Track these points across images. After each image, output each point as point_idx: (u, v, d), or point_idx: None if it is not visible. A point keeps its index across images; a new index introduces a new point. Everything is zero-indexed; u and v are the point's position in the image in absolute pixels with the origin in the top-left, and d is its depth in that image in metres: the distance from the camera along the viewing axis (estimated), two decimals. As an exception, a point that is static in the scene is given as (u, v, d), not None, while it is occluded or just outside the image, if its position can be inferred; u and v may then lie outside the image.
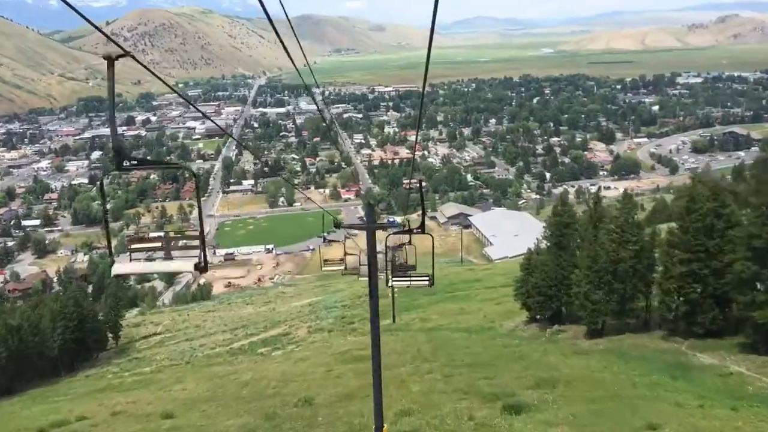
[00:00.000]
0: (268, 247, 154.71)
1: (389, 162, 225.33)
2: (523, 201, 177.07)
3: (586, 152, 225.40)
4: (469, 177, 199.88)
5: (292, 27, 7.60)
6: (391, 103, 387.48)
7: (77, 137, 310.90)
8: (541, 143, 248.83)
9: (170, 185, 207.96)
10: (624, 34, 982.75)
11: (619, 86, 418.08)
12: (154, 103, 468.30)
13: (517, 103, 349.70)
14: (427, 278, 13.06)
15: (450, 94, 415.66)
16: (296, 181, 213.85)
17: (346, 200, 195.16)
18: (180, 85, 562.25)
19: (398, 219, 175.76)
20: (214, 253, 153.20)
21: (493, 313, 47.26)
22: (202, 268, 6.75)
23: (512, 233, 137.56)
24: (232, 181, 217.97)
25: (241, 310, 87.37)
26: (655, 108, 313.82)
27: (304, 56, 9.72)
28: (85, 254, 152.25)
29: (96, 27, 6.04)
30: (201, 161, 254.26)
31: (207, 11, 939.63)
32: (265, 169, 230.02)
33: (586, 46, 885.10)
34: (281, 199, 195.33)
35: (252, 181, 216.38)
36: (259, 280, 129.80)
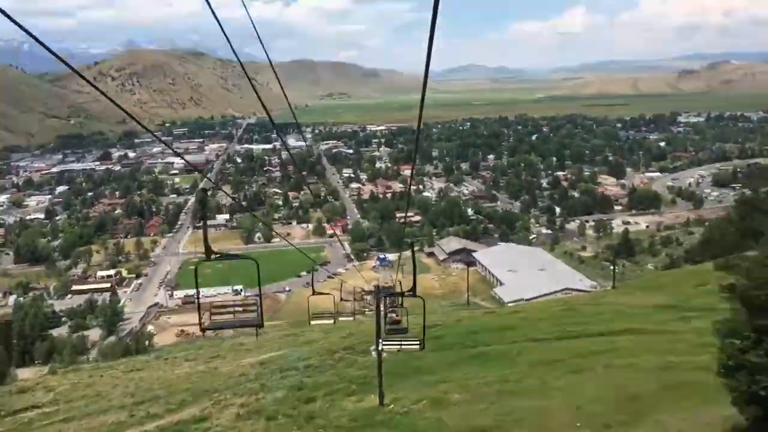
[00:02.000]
0: (236, 288, 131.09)
1: (380, 196, 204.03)
2: (534, 236, 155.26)
3: (596, 186, 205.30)
4: (469, 211, 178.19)
5: (276, 74, 8.20)
6: (383, 140, 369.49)
7: (44, 172, 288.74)
8: (545, 177, 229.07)
9: (133, 219, 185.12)
10: (616, 79, 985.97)
11: (619, 124, 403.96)
12: (137, 140, 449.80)
13: (515, 139, 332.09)
14: (418, 342, 12.78)
15: (445, 131, 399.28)
16: (277, 216, 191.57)
17: (331, 236, 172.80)
18: (167, 125, 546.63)
19: (389, 256, 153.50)
20: (171, 295, 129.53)
21: (595, 396, 23.89)
22: (261, 325, 9.77)
23: (527, 271, 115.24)
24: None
25: (174, 370, 63.95)
26: (662, 144, 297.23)
27: (287, 99, 9.54)
28: (18, 297, 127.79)
29: (74, 70, 5.69)
30: (175, 195, 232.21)
31: (199, 54, 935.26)
32: (243, 203, 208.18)
33: (579, 91, 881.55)
34: (257, 235, 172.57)
35: (227, 216, 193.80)
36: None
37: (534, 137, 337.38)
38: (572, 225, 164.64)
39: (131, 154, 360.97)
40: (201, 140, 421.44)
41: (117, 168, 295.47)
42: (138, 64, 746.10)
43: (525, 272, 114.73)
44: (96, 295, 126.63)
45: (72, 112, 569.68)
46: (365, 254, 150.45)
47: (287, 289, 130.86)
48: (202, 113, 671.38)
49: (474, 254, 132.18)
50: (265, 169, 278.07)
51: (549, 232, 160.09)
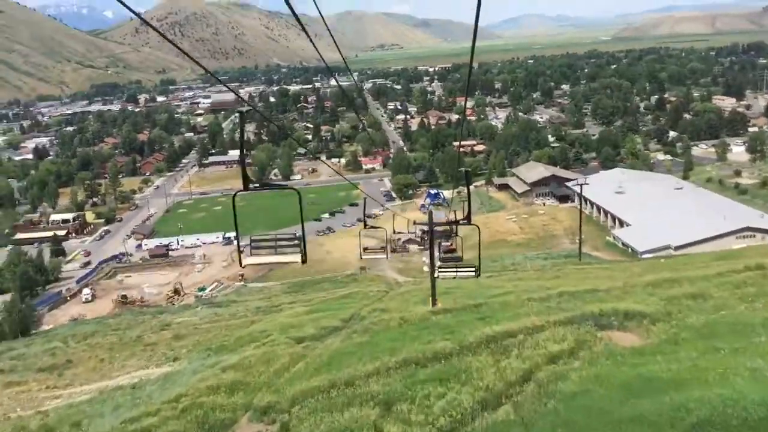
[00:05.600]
0: (229, 235, 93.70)
1: (433, 126, 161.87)
2: (658, 160, 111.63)
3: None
4: (550, 138, 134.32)
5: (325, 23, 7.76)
6: (436, 77, 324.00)
7: (55, 114, 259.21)
8: (641, 101, 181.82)
9: (126, 156, 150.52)
10: (690, 17, 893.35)
11: (713, 52, 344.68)
12: (172, 87, 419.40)
13: (594, 67, 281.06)
14: (474, 269, 12.81)
15: (506, 66, 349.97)
16: (303, 151, 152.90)
17: (368, 171, 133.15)
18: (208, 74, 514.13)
19: (444, 193, 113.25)
20: (139, 246, 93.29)
21: None
22: (304, 261, 8.76)
23: (663, 207, 73.01)
24: (213, 151, 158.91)
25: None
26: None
27: (335, 42, 8.75)
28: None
29: (138, 15, 5.70)
30: (191, 134, 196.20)
31: (244, 4, 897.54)
32: (264, 137, 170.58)
33: (648, 32, 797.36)
34: (274, 171, 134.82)
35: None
36: (176, 293, 68.76)
37: (613, 67, 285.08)
38: (697, 150, 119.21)
39: (160, 99, 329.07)
40: (238, 84, 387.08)
41: (137, 110, 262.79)
42: (179, 14, 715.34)
43: (660, 208, 72.26)
44: (44, 245, 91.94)
45: (110, 62, 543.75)
46: (411, 191, 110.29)
47: (297, 234, 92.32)
48: (246, 63, 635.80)
49: (570, 184, 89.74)
50: (299, 105, 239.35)
51: (667, 157, 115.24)
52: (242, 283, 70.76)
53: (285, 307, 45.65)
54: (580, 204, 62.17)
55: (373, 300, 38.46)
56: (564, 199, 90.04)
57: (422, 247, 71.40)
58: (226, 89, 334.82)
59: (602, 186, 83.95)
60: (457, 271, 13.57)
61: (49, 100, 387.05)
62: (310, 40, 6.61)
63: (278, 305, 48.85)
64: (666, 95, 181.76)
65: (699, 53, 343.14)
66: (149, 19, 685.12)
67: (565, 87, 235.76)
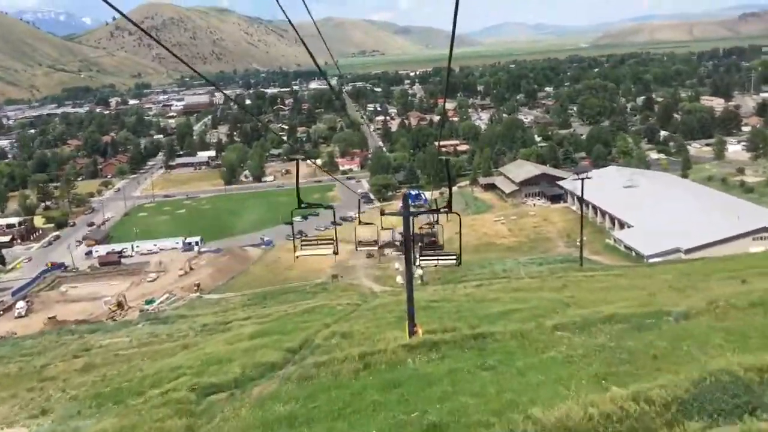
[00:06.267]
0: (190, 240, 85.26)
1: (413, 127, 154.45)
2: (652, 158, 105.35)
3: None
4: (537, 138, 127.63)
5: (315, 25, 7.52)
6: (417, 80, 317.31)
7: (21, 117, 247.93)
8: (627, 102, 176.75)
9: (87, 159, 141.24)
10: (668, 26, 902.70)
11: (694, 57, 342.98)
12: (146, 91, 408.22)
13: (577, 70, 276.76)
14: (454, 257, 12.80)
15: (488, 69, 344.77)
16: (276, 152, 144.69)
17: (345, 172, 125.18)
18: (186, 79, 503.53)
19: (426, 194, 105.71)
20: (89, 253, 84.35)
21: None
22: (336, 253, 11.01)
23: (667, 206, 66.39)
24: (180, 153, 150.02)
25: None
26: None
27: (329, 50, 9.75)
28: None
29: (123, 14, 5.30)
30: (161, 136, 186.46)
31: (223, 9, 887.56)
32: (236, 138, 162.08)
33: (626, 39, 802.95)
34: (245, 173, 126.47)
35: (212, 153, 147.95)
36: (119, 306, 59.90)
37: (596, 70, 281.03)
38: (690, 149, 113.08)
39: (132, 102, 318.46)
40: (214, 87, 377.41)
41: (106, 112, 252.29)
42: (156, 18, 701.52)
43: (663, 208, 65.46)
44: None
45: (83, 66, 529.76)
46: (390, 192, 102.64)
47: (265, 239, 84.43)
48: (225, 68, 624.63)
49: (562, 183, 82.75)
50: (275, 108, 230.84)
51: (661, 156, 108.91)
52: (197, 294, 62.23)
53: (235, 325, 37.72)
54: (581, 201, 54.75)
55: (339, 317, 30.69)
56: (556, 199, 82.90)
57: (400, 253, 64.00)
58: (201, 93, 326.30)
59: (598, 184, 76.93)
60: (438, 259, 13.11)
61: (19, 104, 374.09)
62: (303, 43, 6.56)
63: (229, 322, 40.81)
64: (653, 95, 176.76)
65: (681, 57, 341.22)
66: (125, 23, 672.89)
67: (549, 89, 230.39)
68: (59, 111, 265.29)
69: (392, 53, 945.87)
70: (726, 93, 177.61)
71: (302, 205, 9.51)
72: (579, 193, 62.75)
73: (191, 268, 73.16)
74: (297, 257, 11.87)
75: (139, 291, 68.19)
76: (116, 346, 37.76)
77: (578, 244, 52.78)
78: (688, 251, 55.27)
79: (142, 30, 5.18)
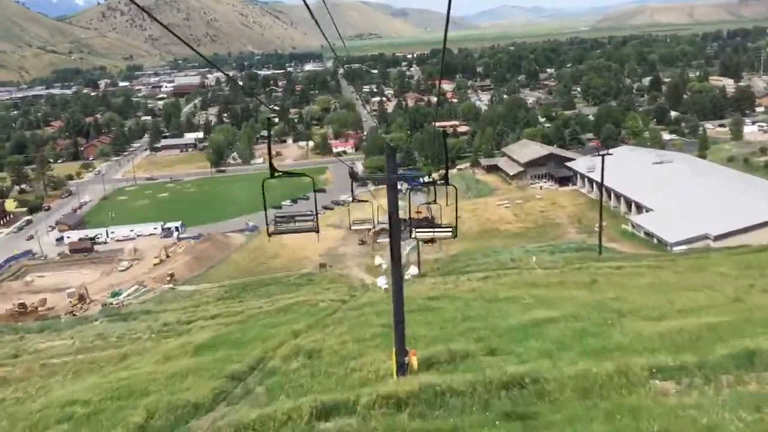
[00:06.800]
0: (170, 225, 79.13)
1: (410, 106, 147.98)
2: (665, 139, 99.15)
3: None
4: (540, 119, 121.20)
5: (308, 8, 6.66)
6: (414, 62, 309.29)
7: (6, 99, 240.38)
8: (634, 82, 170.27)
9: (67, 139, 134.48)
10: (668, 8, 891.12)
11: (698, 38, 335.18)
12: (137, 73, 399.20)
13: (579, 50, 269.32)
14: (450, 230, 11.72)
15: (487, 50, 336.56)
16: (264, 134, 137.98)
17: (338, 154, 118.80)
18: (179, 62, 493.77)
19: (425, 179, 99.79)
20: (61, 239, 78.19)
21: None
22: (317, 230, 9.93)
23: (688, 189, 60.50)
24: (167, 134, 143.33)
25: None
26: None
27: (324, 35, 9.26)
28: None
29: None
30: (148, 118, 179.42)
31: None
32: (225, 119, 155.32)
33: (626, 21, 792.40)
34: (233, 155, 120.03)
35: (200, 134, 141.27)
36: (80, 299, 53.98)
37: (599, 51, 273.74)
38: (714, 126, 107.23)
39: (123, 84, 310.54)
40: (207, 69, 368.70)
41: (93, 94, 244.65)
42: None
43: (684, 190, 59.48)
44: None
45: (74, 48, 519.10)
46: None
47: (249, 225, 78.23)
48: (219, 50, 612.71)
49: (572, 164, 76.59)
50: (268, 89, 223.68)
51: (674, 136, 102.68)
52: (170, 285, 56.20)
53: (195, 327, 31.92)
54: (602, 181, 48.51)
55: (317, 319, 24.78)
56: (564, 181, 76.77)
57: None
58: (192, 74, 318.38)
59: (611, 166, 70.67)
60: (434, 232, 11.50)
61: (7, 86, 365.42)
62: (315, 22, 6.22)
63: (192, 321, 34.97)
64: (660, 75, 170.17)
65: (685, 39, 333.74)
66: (116, 3, 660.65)
67: (550, 70, 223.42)
68: (45, 92, 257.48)
69: (389, 36, 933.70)
70: (736, 73, 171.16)
71: (276, 174, 8.46)
72: (590, 175, 56.77)
73: (167, 256, 67.14)
74: (271, 236, 10.42)
75: (108, 281, 62.20)
76: (52, 351, 31.91)
77: (596, 229, 46.86)
78: (718, 238, 49.39)
79: (137, 5, 4.85)
